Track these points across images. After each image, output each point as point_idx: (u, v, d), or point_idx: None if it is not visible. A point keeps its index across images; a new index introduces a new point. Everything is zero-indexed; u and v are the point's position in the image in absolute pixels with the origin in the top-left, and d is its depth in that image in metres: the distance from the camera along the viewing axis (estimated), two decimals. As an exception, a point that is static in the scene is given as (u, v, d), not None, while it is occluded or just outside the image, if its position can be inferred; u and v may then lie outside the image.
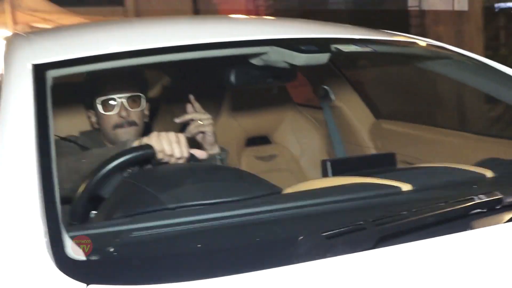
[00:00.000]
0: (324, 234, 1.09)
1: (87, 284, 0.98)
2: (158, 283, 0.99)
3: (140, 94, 2.12)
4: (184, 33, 1.89)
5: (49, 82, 1.55)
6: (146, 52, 1.69)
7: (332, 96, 2.85)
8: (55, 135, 2.15)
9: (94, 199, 1.57)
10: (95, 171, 1.59)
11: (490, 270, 1.09)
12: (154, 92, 3.76)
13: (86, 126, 2.32)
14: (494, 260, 1.12)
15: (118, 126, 2.09)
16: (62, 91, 2.44)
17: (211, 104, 3.13)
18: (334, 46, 1.86)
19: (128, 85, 2.12)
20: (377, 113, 2.96)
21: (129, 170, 1.68)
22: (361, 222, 1.12)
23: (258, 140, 2.91)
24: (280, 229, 1.20)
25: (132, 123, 2.09)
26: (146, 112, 2.19)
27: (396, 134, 2.78)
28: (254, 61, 1.90)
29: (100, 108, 2.11)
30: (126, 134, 2.07)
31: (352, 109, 2.92)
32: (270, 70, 1.97)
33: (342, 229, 1.10)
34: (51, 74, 1.58)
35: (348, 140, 2.90)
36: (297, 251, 1.06)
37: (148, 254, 1.12)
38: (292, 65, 1.86)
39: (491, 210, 1.24)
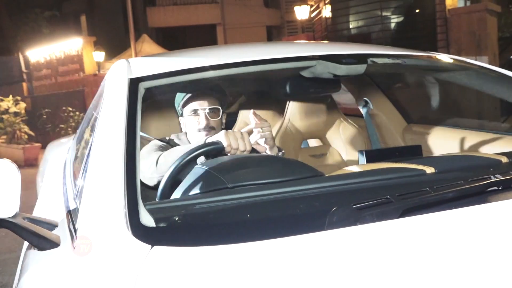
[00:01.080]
0: (355, 206, 0.96)
1: (152, 246, 0.91)
2: (211, 245, 0.89)
3: (219, 107, 2.05)
4: (249, 53, 1.81)
5: (141, 91, 1.52)
6: (218, 67, 1.62)
7: (371, 106, 2.70)
8: (154, 137, 2.14)
9: (176, 183, 1.50)
10: (177, 161, 1.53)
11: (501, 238, 0.92)
12: (234, 107, 3.72)
13: (178, 130, 2.30)
14: (507, 230, 0.94)
15: (200, 130, 2.04)
16: (162, 105, 2.44)
17: (275, 114, 3.04)
18: (370, 59, 1.72)
19: (210, 100, 2.08)
20: (408, 118, 2.77)
21: (205, 160, 1.61)
22: (387, 196, 0.98)
23: (312, 142, 2.78)
24: (319, 202, 1.07)
25: (211, 128, 2.04)
26: (224, 121, 2.12)
27: (424, 136, 2.59)
28: (304, 73, 1.79)
29: (188, 116, 2.08)
30: (206, 137, 2.02)
31: (387, 115, 2.75)
32: (317, 81, 1.86)
33: (370, 202, 0.96)
34: (143, 85, 1.55)
35: (385, 141, 2.74)
36: (332, 219, 0.95)
37: (206, 222, 1.02)
38: (336, 77, 1.73)
39: (506, 188, 1.06)
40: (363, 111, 2.76)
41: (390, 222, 0.94)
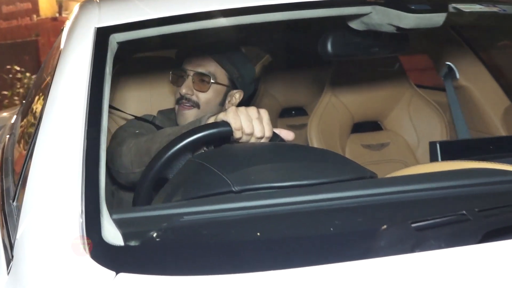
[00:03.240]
0: (414, 224, 0.99)
1: (116, 273, 0.94)
2: (200, 275, 0.92)
3: (208, 75, 2.05)
4: None
5: (112, 47, 1.55)
6: (224, 13, 1.63)
7: (457, 74, 2.69)
8: (132, 115, 2.18)
9: (160, 182, 1.53)
10: (162, 151, 1.56)
11: None
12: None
13: (167, 105, 2.32)
14: None
15: (177, 102, 2.08)
16: (146, 69, 2.48)
17: (314, 84, 3.05)
18: (452, 6, 1.72)
19: (205, 62, 2.08)
20: (514, 95, 2.75)
21: (203, 150, 1.64)
22: (463, 212, 0.99)
23: (367, 126, 2.79)
24: (362, 218, 1.10)
25: (193, 104, 2.05)
26: (233, 102, 2.12)
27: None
28: (354, 24, 1.80)
29: (171, 79, 2.12)
30: (182, 115, 2.05)
31: (482, 90, 2.73)
32: (374, 37, 1.86)
33: (437, 220, 0.98)
34: (116, 38, 1.58)
35: (476, 127, 2.72)
36: (379, 244, 0.97)
37: (196, 241, 1.05)
38: (401, 31, 1.74)
39: None
40: (445, 82, 2.75)
41: (465, 249, 0.96)
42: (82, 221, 1.04)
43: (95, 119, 1.27)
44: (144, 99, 2.43)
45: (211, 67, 2.07)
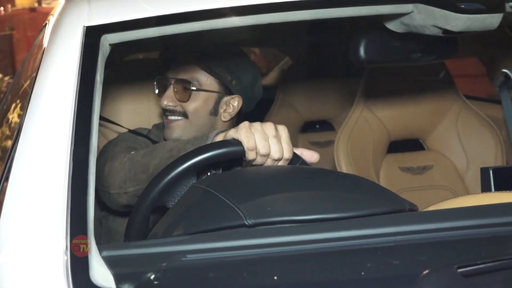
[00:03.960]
0: (461, 269, 0.99)
1: None
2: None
3: (189, 81, 2.09)
4: None
5: (104, 50, 1.56)
6: (239, 10, 1.65)
7: (515, 84, 2.69)
8: (125, 128, 2.21)
9: (158, 212, 1.55)
10: (160, 174, 1.58)
11: None
12: (269, 78, 3.76)
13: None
14: None
15: (163, 112, 2.15)
16: (141, 75, 2.50)
17: (342, 94, 3.07)
18: (510, 4, 1.73)
19: (189, 68, 2.12)
20: None
21: (209, 174, 1.65)
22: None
23: (406, 145, 2.79)
24: (399, 260, 1.11)
25: (179, 115, 2.10)
26: (230, 110, 2.14)
27: None
28: (392, 25, 1.81)
29: (157, 89, 2.19)
30: (169, 128, 2.12)
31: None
32: (416, 40, 1.87)
33: (488, 264, 0.99)
34: (109, 39, 1.59)
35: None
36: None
37: (201, 285, 1.07)
38: (448, 33, 1.75)
39: None
40: (501, 93, 2.75)
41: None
42: (67, 259, 1.06)
43: (83, 137, 1.29)
44: (140, 110, 2.44)
45: (195, 73, 2.11)
